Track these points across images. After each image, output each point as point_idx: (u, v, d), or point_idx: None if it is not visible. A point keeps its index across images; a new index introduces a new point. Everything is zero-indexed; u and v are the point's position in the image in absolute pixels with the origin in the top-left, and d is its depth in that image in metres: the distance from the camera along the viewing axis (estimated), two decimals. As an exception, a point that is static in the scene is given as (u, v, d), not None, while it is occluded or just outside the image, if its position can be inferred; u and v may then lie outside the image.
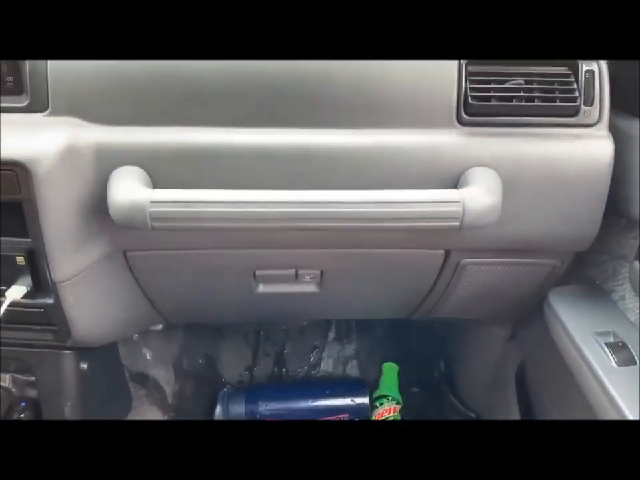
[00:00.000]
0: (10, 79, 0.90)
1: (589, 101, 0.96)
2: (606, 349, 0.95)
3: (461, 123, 0.95)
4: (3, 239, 0.94)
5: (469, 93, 0.93)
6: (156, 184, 0.91)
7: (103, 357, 1.38)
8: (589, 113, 0.96)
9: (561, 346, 1.04)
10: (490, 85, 0.95)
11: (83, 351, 1.23)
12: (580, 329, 1.01)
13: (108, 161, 0.90)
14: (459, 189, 0.91)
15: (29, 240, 0.93)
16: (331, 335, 1.92)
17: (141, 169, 0.90)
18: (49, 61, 0.89)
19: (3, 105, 0.89)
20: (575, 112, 0.96)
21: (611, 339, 0.98)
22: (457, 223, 0.88)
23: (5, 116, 0.89)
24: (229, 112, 0.92)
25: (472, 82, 0.94)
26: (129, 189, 0.86)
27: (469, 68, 0.94)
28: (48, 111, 0.89)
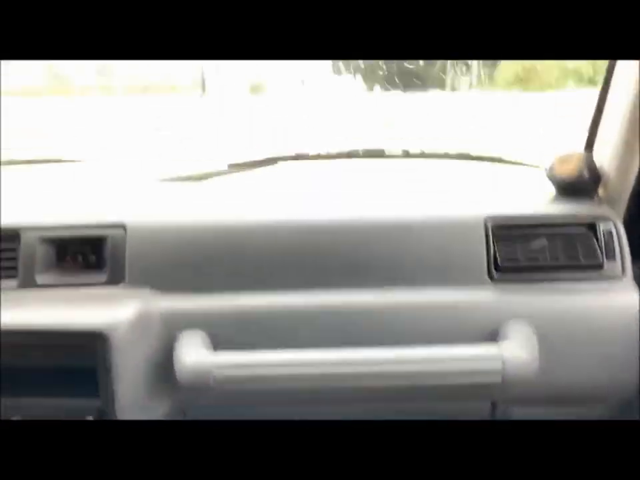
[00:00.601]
0: (93, 257, 1.04)
1: (611, 256, 1.04)
2: None
3: (492, 279, 1.03)
4: (74, 399, 1.01)
5: (497, 254, 1.03)
6: (216, 345, 1.00)
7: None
8: (612, 267, 1.04)
9: None
10: (516, 244, 1.05)
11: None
12: None
13: (174, 326, 1.00)
14: (496, 344, 0.97)
15: (99, 400, 0.99)
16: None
17: (202, 332, 0.99)
18: (127, 238, 1.02)
19: (85, 280, 1.03)
20: (598, 267, 1.04)
21: None
22: (499, 378, 0.93)
23: (86, 290, 1.02)
24: (281, 277, 1.03)
25: (499, 243, 1.04)
26: (194, 354, 0.95)
27: (495, 231, 1.04)
28: (124, 283, 1.02)
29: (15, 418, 0.94)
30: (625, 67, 1.06)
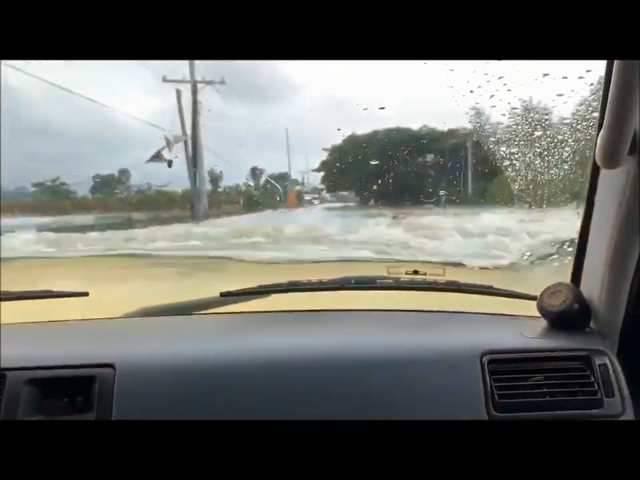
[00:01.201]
0: (79, 398, 1.02)
1: (610, 393, 1.02)
2: None
3: (490, 417, 1.00)
4: None
5: (494, 391, 1.01)
6: None
7: None
8: (612, 404, 1.01)
9: None
10: (513, 381, 1.03)
11: None
12: None
13: None
14: None
15: None
16: None
17: None
18: (116, 378, 1.00)
19: (73, 419, 0.99)
20: (599, 405, 1.01)
21: None
22: None
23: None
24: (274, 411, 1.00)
25: (495, 380, 1.02)
26: None
27: (490, 366, 1.03)
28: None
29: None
30: (604, 202, 1.08)
